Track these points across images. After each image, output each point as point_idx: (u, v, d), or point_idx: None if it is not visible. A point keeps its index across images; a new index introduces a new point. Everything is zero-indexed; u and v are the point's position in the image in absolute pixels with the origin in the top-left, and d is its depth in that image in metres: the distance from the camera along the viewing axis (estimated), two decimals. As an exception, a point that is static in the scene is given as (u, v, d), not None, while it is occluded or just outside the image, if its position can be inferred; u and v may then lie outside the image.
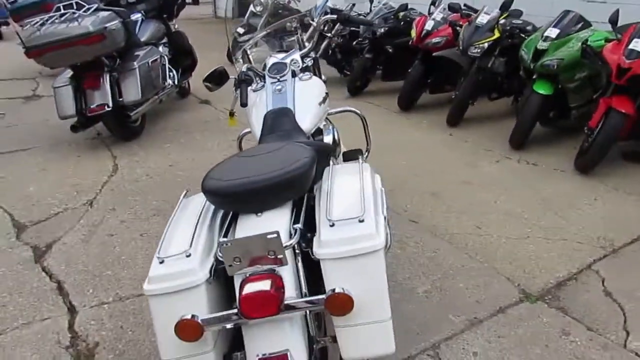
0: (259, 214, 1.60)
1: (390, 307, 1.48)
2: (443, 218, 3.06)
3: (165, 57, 4.80)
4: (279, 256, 1.42)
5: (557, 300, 2.33)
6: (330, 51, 6.01)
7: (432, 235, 2.87)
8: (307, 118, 2.29)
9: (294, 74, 2.49)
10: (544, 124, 4.16)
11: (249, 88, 2.53)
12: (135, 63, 4.05)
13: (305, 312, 1.51)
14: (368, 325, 1.45)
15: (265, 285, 1.40)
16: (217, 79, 2.48)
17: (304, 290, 1.55)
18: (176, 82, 4.87)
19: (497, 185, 3.45)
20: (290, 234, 1.52)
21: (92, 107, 3.98)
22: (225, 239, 1.51)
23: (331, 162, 1.82)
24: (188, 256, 1.48)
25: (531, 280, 2.47)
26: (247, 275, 1.45)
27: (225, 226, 1.64)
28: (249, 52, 2.69)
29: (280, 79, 2.41)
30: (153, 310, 1.47)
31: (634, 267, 2.54)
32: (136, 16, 4.73)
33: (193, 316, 1.41)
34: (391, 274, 2.50)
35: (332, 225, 1.50)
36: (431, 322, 2.19)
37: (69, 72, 4.03)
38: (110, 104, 3.96)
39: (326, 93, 2.50)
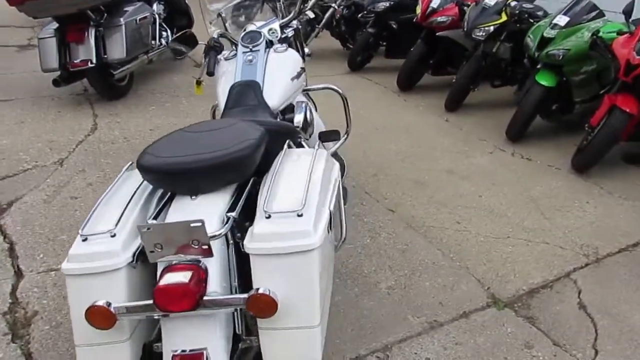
0: (194, 197, 1.47)
1: (321, 312, 1.35)
2: (423, 209, 2.91)
3: (158, 15, 4.60)
4: (203, 246, 1.29)
5: (527, 308, 2.20)
6: (334, 22, 5.79)
7: (407, 227, 2.74)
8: (275, 93, 2.13)
9: (269, 45, 2.34)
10: (545, 117, 3.95)
11: (222, 56, 2.38)
12: (122, 19, 3.86)
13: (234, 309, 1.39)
14: (293, 330, 1.33)
15: (184, 277, 1.28)
16: (184, 42, 2.33)
17: (234, 284, 1.43)
18: (168, 42, 4.67)
19: (486, 179, 3.29)
20: (224, 222, 1.40)
21: (75, 62, 3.82)
22: (145, 223, 1.38)
23: (285, 146, 1.67)
24: (113, 236, 1.37)
25: (503, 285, 2.34)
26: (170, 264, 1.33)
27: (159, 207, 1.51)
28: (223, 16, 2.52)
29: (253, 49, 2.26)
30: (69, 291, 1.36)
31: (615, 280, 2.39)
32: (132, -30, 4.52)
33: (107, 303, 1.29)
34: (357, 266, 2.39)
35: (268, 217, 1.37)
36: (387, 321, 2.08)
37: (55, 24, 3.86)
38: (94, 60, 3.80)
39: (302, 68, 2.34)
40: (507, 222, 2.82)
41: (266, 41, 2.36)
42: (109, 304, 1.29)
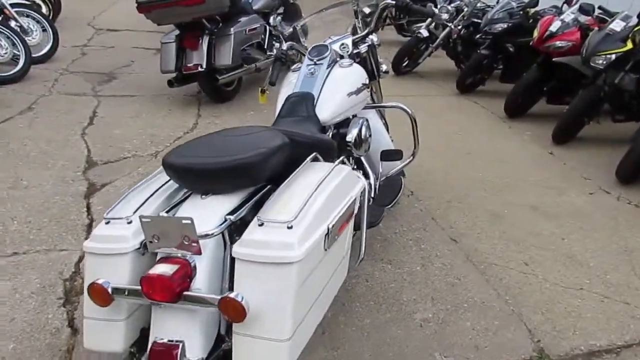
0: (204, 196, 1.53)
1: (296, 328, 1.32)
2: (490, 244, 2.69)
3: (274, 27, 4.87)
4: (193, 244, 1.34)
5: (579, 372, 1.93)
6: (451, 42, 5.62)
7: (466, 260, 2.55)
8: (327, 107, 2.14)
9: (336, 59, 2.35)
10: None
11: (291, 67, 2.45)
12: (232, 29, 4.15)
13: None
14: (262, 340, 1.31)
15: (168, 269, 1.34)
16: (252, 53, 2.43)
17: (225, 286, 1.46)
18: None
19: (575, 221, 2.94)
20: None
21: (188, 65, 4.19)
22: (146, 214, 1.46)
23: (308, 158, 1.66)
24: (129, 222, 1.48)
25: (557, 340, 2.07)
26: (164, 256, 1.40)
27: (176, 203, 1.60)
28: (299, 29, 2.59)
29: (317, 62, 2.29)
30: (85, 266, 1.49)
31: None
32: (254, -15, 4.85)
33: (105, 282, 1.40)
34: (397, 291, 2.29)
35: (261, 225, 1.39)
36: (410, 354, 1.95)
37: (177, 31, 4.28)
38: (204, 65, 4.13)
39: (364, 84, 2.32)
40: (585, 272, 2.49)
41: (338, 56, 2.40)
42: (107, 284, 1.40)
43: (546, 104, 4.58)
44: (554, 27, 4.17)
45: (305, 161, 1.66)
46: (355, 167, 2.41)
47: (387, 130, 2.85)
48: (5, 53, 4.68)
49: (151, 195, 1.57)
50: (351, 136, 2.25)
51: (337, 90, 2.21)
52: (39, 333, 1.97)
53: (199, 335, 1.39)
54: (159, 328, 1.41)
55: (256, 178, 1.55)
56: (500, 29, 4.83)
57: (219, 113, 4.32)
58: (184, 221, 1.31)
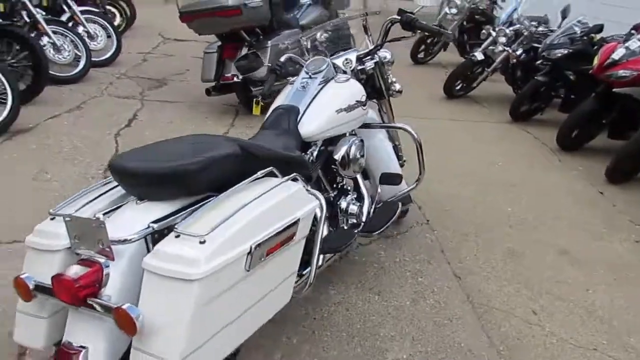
0: (139, 202, 1.46)
1: (192, 351, 1.21)
2: (497, 285, 2.42)
3: (317, 42, 4.82)
4: (106, 248, 1.27)
5: None
6: (510, 67, 5.31)
7: (465, 300, 2.30)
8: (311, 122, 2.03)
9: (334, 74, 2.23)
10: None
11: (290, 80, 2.36)
12: (269, 42, 4.15)
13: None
14: (152, 358, 1.21)
15: (77, 271, 1.28)
16: (249, 63, 2.37)
17: None
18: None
19: (609, 271, 2.58)
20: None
21: (225, 75, 4.23)
22: (68, 212, 1.41)
23: (260, 173, 1.55)
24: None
25: (547, 406, 1.79)
26: (82, 257, 1.35)
27: (117, 206, 1.54)
28: (304, 43, 2.50)
29: (312, 76, 2.19)
30: (25, 260, 1.47)
31: None
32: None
33: (27, 277, 1.37)
34: (376, 325, 2.10)
35: (177, 237, 1.30)
36: (366, 398, 1.76)
37: (219, 41, 4.36)
38: (240, 76, 4.16)
39: (358, 101, 2.18)
40: (605, 332, 2.16)
41: (341, 71, 2.29)
42: (30, 279, 1.36)
43: (608, 139, 4.15)
44: (617, 54, 3.78)
45: (255, 175, 1.56)
46: (341, 186, 2.27)
47: (398, 152, 2.67)
48: (68, 55, 4.98)
49: (98, 196, 1.53)
50: (338, 155, 2.11)
51: (325, 106, 2.09)
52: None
53: (104, 343, 1.31)
54: (69, 331, 1.35)
55: (191, 186, 1.46)
56: (559, 54, 4.48)
57: (251, 124, 4.32)
58: (93, 224, 1.25)
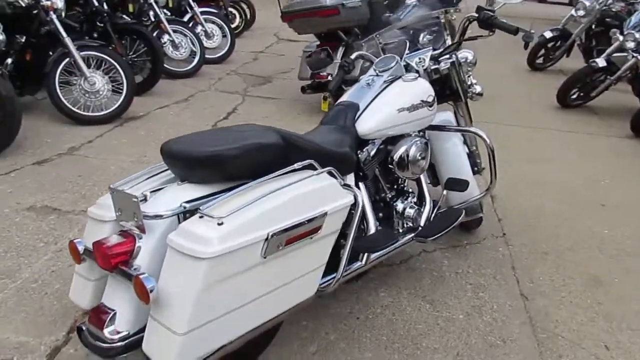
0: (180, 183, 1.55)
1: (196, 325, 1.27)
2: (570, 312, 2.19)
3: (419, 44, 4.72)
4: (139, 222, 1.38)
5: None
6: (637, 76, 4.76)
7: (526, 322, 2.11)
8: (368, 120, 2.01)
9: (401, 72, 2.18)
10: None
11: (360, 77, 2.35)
12: (363, 42, 4.15)
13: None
14: (161, 327, 1.30)
15: (113, 240, 1.40)
16: (319, 59, 2.38)
17: None
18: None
19: None
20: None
21: (320, 74, 4.30)
22: (121, 188, 1.53)
23: (297, 164, 1.56)
24: None
25: None
26: (123, 228, 1.47)
27: (161, 186, 1.65)
28: (378, 39, 2.47)
29: (379, 74, 2.17)
30: (85, 228, 1.64)
31: None
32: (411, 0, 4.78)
33: (78, 241, 1.53)
34: (420, 335, 2.02)
35: (201, 217, 1.37)
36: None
37: (318, 41, 4.46)
38: (334, 75, 4.20)
39: (423, 101, 2.11)
40: (692, 380, 1.86)
41: (414, 70, 2.24)
42: (81, 243, 1.52)
43: None
44: None
45: (292, 166, 1.58)
46: (401, 187, 2.20)
47: (474, 158, 2.53)
48: (184, 52, 5.42)
49: (152, 176, 1.65)
50: (396, 155, 2.06)
51: (386, 104, 2.05)
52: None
53: (130, 309, 1.41)
54: (106, 294, 1.48)
55: (227, 171, 1.51)
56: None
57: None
58: (133, 199, 1.36)
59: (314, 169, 1.62)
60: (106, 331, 1.39)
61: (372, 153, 2.07)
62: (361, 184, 2.02)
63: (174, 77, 5.31)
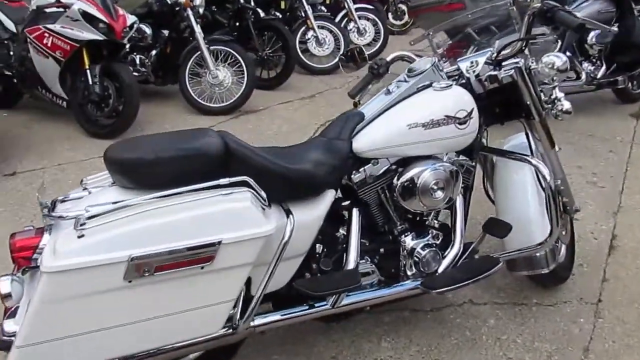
0: (110, 186, 1.47)
1: (33, 342, 1.21)
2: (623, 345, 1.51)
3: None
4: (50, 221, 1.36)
5: None
6: None
7: (573, 347, 1.52)
8: (367, 135, 1.67)
9: (437, 78, 1.76)
10: None
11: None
12: (497, 41, 3.53)
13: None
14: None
15: (23, 234, 1.38)
16: (352, 57, 2.03)
17: None
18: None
19: None
20: None
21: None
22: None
23: (226, 179, 1.34)
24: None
25: None
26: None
27: None
28: (431, 39, 2.03)
29: (406, 79, 1.79)
30: None
31: None
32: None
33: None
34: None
35: (83, 224, 1.26)
36: None
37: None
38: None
39: (448, 117, 1.66)
40: None
41: (464, 77, 1.81)
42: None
43: None
44: None
45: (218, 181, 1.36)
46: (419, 220, 1.77)
47: (555, 195, 1.91)
48: (327, 48, 5.38)
49: None
50: (401, 179, 1.66)
51: (395, 118, 1.67)
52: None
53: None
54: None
55: (144, 178, 1.36)
56: None
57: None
58: (38, 194, 1.34)
59: (249, 187, 1.38)
60: (5, 324, 1.39)
61: (375, 174, 1.71)
62: (354, 210, 1.68)
63: (314, 72, 5.32)
